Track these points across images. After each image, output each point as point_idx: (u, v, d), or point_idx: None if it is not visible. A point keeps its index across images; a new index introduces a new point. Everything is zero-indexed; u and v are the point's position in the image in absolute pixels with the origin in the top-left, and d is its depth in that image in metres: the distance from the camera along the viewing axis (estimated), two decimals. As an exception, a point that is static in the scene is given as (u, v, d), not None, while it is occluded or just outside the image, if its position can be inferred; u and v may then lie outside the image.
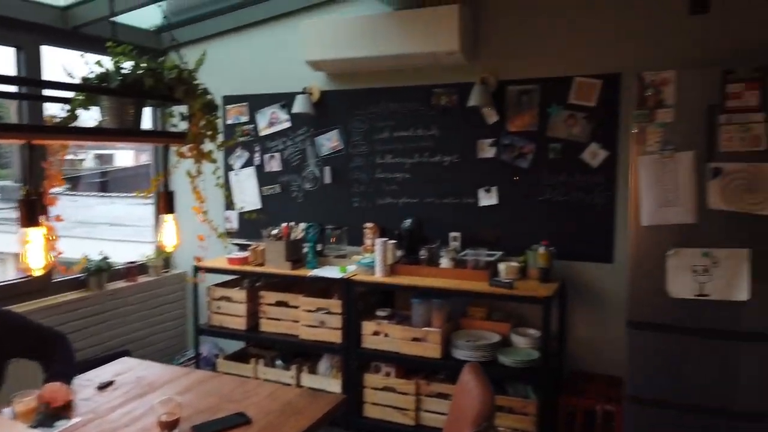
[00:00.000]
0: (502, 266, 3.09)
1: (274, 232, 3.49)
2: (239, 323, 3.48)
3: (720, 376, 2.44)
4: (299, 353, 3.55)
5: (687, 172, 2.45)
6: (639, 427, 2.60)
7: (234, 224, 4.12)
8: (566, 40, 3.19)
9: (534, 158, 3.29)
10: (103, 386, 2.01)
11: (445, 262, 3.15)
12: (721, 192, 2.40)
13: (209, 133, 1.72)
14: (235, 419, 1.74)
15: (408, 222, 3.33)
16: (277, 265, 3.42)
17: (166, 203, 1.84)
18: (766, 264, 2.35)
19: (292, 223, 3.62)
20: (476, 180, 3.43)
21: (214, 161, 1.79)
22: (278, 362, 3.50)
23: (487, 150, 3.40)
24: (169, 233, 1.84)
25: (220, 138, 1.83)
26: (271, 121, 3.98)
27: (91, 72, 1.67)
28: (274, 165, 3.99)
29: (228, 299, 3.52)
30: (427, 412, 3.06)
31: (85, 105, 1.64)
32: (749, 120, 2.36)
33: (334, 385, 3.26)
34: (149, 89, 1.60)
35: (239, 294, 3.50)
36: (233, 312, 3.49)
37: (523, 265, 3.16)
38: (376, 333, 3.15)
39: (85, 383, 2.05)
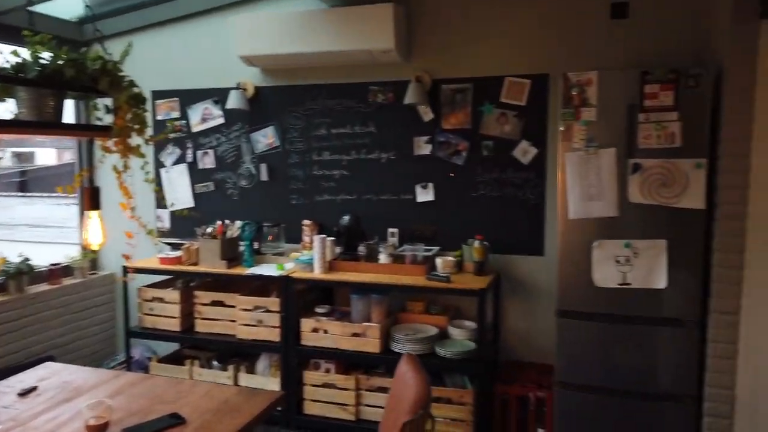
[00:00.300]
0: (439, 261, 3.15)
1: (209, 230, 3.41)
2: (173, 325, 3.38)
3: (642, 360, 2.60)
4: (236, 353, 3.49)
5: (609, 168, 2.59)
6: (568, 411, 2.72)
7: (166, 223, 3.99)
8: (497, 42, 3.29)
9: (468, 155, 3.37)
10: (25, 392, 1.90)
11: (383, 258, 3.18)
12: (640, 186, 2.54)
13: (137, 126, 1.66)
14: (168, 420, 1.69)
15: (346, 218, 3.34)
16: (212, 264, 3.35)
17: (90, 199, 1.76)
18: (682, 254, 2.52)
19: (228, 221, 3.54)
20: (413, 176, 3.47)
21: (142, 156, 1.73)
22: (215, 363, 3.42)
23: (423, 147, 3.46)
24: (95, 231, 1.76)
25: (150, 132, 1.77)
26: (203, 116, 3.89)
27: (6, 62, 1.58)
28: (207, 162, 3.89)
29: (160, 300, 3.40)
30: (368, 407, 3.08)
31: (0, 96, 1.55)
32: (665, 119, 2.52)
33: (273, 383, 3.22)
34: (70, 80, 1.53)
35: (172, 294, 3.39)
36: (166, 313, 3.39)
37: (459, 260, 3.23)
38: (315, 330, 3.14)
39: (5, 390, 1.94)
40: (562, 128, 2.66)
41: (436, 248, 3.33)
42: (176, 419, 1.70)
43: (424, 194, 3.47)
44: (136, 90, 1.65)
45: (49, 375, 2.09)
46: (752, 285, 2.39)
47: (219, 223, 3.47)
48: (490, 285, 2.99)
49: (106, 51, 1.75)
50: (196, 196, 3.92)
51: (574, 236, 2.66)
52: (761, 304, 2.38)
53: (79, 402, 1.82)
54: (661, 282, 2.53)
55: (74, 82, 1.54)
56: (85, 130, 1.76)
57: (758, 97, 2.36)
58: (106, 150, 1.67)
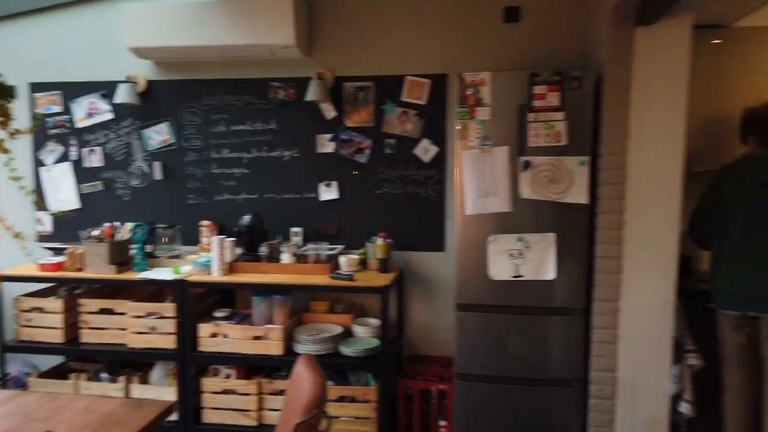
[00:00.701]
0: (343, 259, 3.13)
1: (95, 233, 3.17)
2: (56, 336, 3.11)
3: (535, 348, 2.72)
4: (128, 364, 3.28)
5: (503, 166, 2.69)
6: (468, 402, 2.80)
7: (47, 227, 3.67)
8: (398, 41, 3.32)
9: (371, 153, 3.38)
10: None
11: (286, 258, 3.11)
12: (531, 183, 2.67)
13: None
14: (40, 440, 1.55)
15: (247, 218, 3.23)
16: (100, 269, 3.12)
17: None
18: (569, 246, 2.67)
19: (118, 223, 3.32)
20: (317, 175, 3.43)
21: (6, 152, 1.57)
22: (103, 375, 3.19)
23: (326, 145, 3.42)
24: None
25: (21, 127, 1.60)
26: (89, 111, 3.62)
27: None
28: (94, 160, 3.63)
29: (40, 310, 3.12)
30: (271, 411, 3.00)
31: None
32: (552, 118, 2.66)
33: (168, 393, 3.05)
34: None
35: (54, 304, 3.12)
36: (48, 324, 3.11)
37: (363, 258, 3.23)
38: (214, 335, 3.01)
39: None
40: (458, 127, 2.74)
41: (340, 247, 3.31)
42: (50, 438, 1.56)
43: (328, 192, 3.44)
44: (-3, 78, 1.49)
45: None
46: (630, 273, 2.57)
47: (107, 225, 3.24)
48: (393, 282, 3.01)
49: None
50: (83, 197, 3.64)
51: (471, 231, 2.74)
52: (637, 290, 2.57)
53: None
54: (550, 273, 2.67)
55: None
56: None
57: (633, 98, 2.55)
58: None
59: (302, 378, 1.51)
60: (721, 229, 2.53)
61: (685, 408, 2.55)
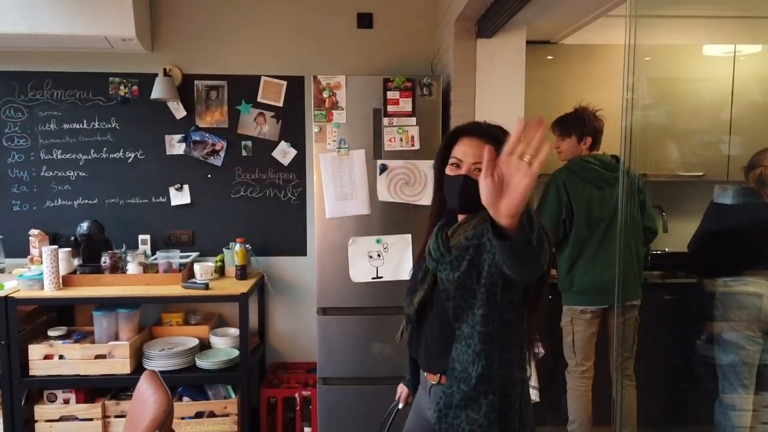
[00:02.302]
0: (197, 267, 2.97)
1: None
2: None
3: (393, 347, 2.79)
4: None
5: (360, 169, 2.73)
6: (330, 405, 2.80)
7: None
8: (251, 41, 3.23)
9: (227, 155, 3.25)
10: None
11: (132, 268, 2.88)
12: (387, 186, 2.74)
13: None
14: None
15: (84, 226, 2.94)
16: None
17: None
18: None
19: None
20: (166, 178, 3.22)
21: None
22: None
23: (176, 146, 3.22)
24: None
25: None
26: None
27: None
28: None
29: None
30: (118, 436, 2.76)
31: None
32: (405, 123, 2.75)
33: (-8, 428, 2.68)
34: None
35: None
36: None
37: (220, 265, 3.10)
38: (48, 356, 2.69)
39: None
40: (316, 130, 2.72)
41: (194, 254, 3.14)
42: None
43: (180, 197, 3.24)
44: None
45: None
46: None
47: None
48: (252, 289, 2.92)
49: None
50: None
51: (332, 235, 2.75)
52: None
53: None
54: (408, 273, 2.75)
55: None
56: None
57: (477, 105, 2.73)
58: None
59: (145, 397, 1.40)
60: (568, 230, 2.70)
61: (532, 393, 2.78)
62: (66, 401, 2.77)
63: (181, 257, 3.04)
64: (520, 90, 2.73)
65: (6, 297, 2.65)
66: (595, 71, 3.27)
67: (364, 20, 3.28)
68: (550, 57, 3.31)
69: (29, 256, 3.04)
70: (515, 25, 2.63)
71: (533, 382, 2.81)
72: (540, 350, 2.82)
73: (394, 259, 2.75)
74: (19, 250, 3.08)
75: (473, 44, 2.68)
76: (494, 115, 2.70)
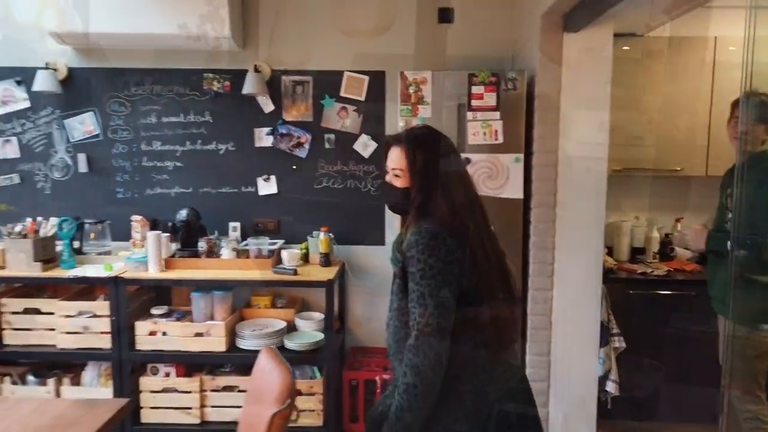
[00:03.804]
0: (285, 254, 3.13)
1: (18, 228, 2.97)
2: (-27, 340, 2.90)
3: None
4: (56, 365, 3.11)
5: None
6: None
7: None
8: (336, 38, 3.34)
9: (311, 148, 3.39)
10: None
11: (226, 253, 3.07)
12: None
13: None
14: (-10, 450, 1.47)
15: (183, 213, 3.15)
16: (24, 267, 2.93)
17: None
18: (505, 239, 2.81)
19: (40, 218, 3.12)
20: (255, 169, 3.40)
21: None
22: (30, 378, 3.01)
23: (264, 139, 3.39)
24: None
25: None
26: (3, 99, 3.37)
27: None
28: (9, 151, 3.39)
29: (-45, 313, 2.90)
30: (214, 408, 2.97)
31: None
32: (489, 117, 2.80)
33: (103, 394, 2.93)
34: None
35: (-29, 305, 2.91)
36: (-37, 328, 2.89)
37: (305, 252, 3.25)
38: (152, 333, 2.92)
39: None
40: (401, 124, 2.82)
41: (280, 241, 3.31)
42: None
43: (267, 187, 3.42)
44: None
45: None
46: (561, 264, 2.77)
47: (30, 220, 3.05)
48: (336, 276, 3.06)
49: None
50: (-4, 191, 3.40)
51: (414, 225, 2.83)
52: (567, 279, 2.78)
53: None
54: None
55: None
56: None
57: (562, 100, 2.74)
58: None
59: (269, 369, 1.53)
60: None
61: (611, 387, 2.80)
62: (167, 374, 3.00)
63: (269, 244, 3.21)
64: (607, 84, 2.72)
65: (116, 277, 2.89)
66: (677, 63, 3.20)
67: (445, 15, 3.33)
68: (626, 48, 3.26)
69: (131, 240, 3.29)
70: (603, 19, 2.62)
71: (613, 375, 2.83)
72: (621, 344, 2.84)
73: (475, 251, 2.81)
74: (122, 234, 3.33)
75: (560, 38, 2.69)
76: (580, 109, 2.72)
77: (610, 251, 3.32)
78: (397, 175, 1.51)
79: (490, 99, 2.80)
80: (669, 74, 3.19)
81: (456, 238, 1.41)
